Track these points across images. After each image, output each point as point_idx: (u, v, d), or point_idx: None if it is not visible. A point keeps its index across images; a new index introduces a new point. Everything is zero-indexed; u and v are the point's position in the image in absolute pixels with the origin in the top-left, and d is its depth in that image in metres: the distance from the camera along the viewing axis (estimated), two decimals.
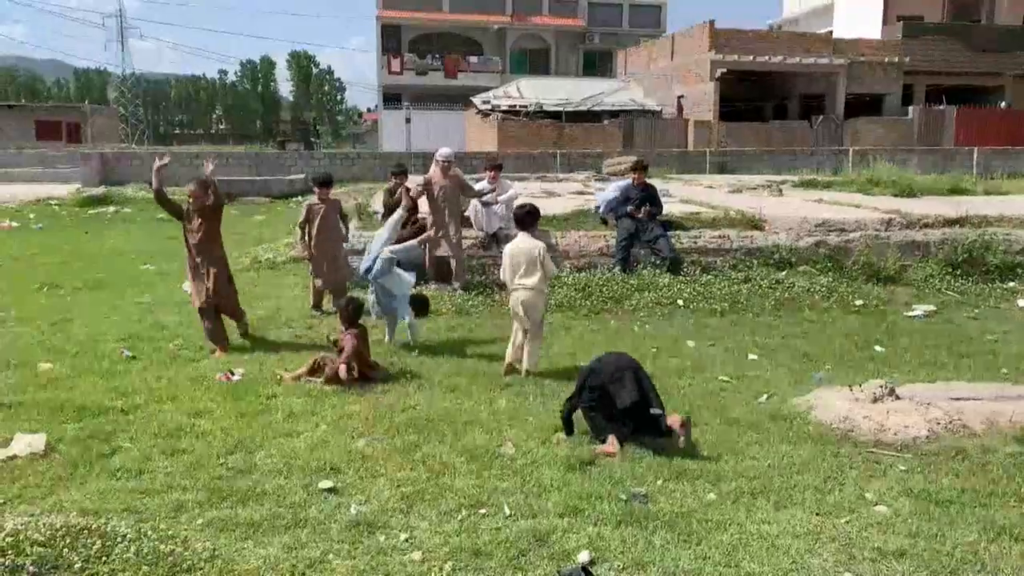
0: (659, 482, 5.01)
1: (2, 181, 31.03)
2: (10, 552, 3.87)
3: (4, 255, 14.17)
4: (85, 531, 4.08)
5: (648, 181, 12.03)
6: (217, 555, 4.04)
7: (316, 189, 9.65)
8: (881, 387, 6.26)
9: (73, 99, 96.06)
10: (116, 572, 3.83)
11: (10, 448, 5.35)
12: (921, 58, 38.28)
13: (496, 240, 11.16)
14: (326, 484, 4.89)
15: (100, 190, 24.01)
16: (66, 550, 3.93)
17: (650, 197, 11.52)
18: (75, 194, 23.86)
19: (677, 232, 11.61)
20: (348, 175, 27.77)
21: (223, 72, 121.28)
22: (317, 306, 9.75)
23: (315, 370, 7.08)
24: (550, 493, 4.82)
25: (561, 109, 38.87)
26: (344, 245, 9.90)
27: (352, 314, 7.33)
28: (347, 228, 10.01)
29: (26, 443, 5.39)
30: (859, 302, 10.24)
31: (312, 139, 58.84)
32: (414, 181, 11.08)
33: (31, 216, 20.58)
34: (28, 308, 9.90)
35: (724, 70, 36.02)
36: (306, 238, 9.59)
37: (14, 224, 18.80)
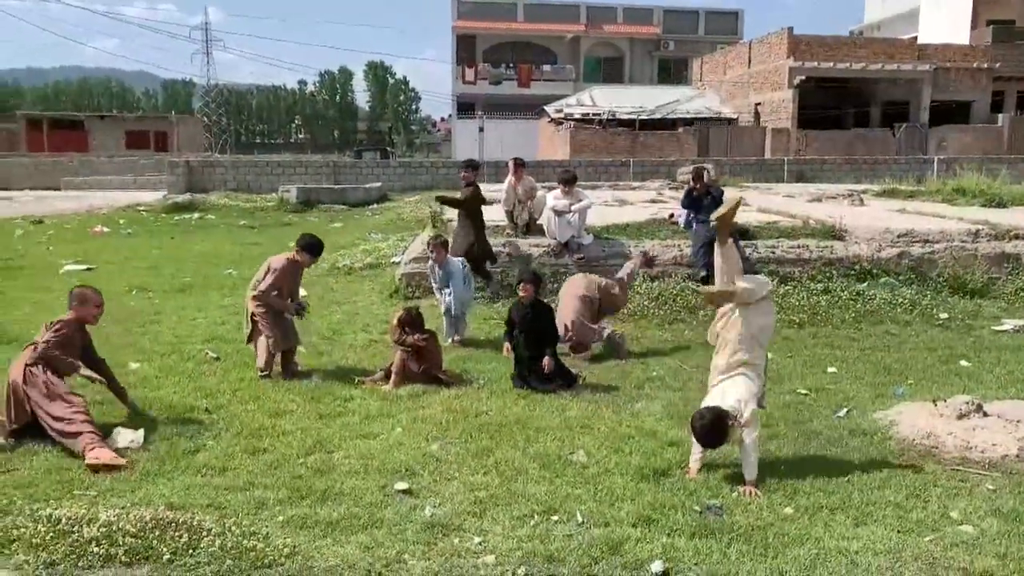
0: (734, 494, 4.94)
1: (95, 188, 32.53)
2: (104, 542, 4.06)
3: (98, 259, 14.82)
4: (173, 524, 4.25)
5: (716, 185, 11.90)
6: (297, 552, 4.15)
7: (304, 255, 7.62)
8: (967, 403, 6.05)
9: (160, 109, 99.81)
10: (202, 564, 3.97)
11: (113, 442, 5.61)
12: (1012, 64, 36.91)
13: (568, 249, 11.18)
14: (402, 486, 4.97)
15: (185, 197, 24.88)
16: (155, 542, 4.10)
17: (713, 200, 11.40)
18: (162, 201, 24.78)
19: (754, 242, 11.43)
20: (421, 184, 28.20)
21: (303, 83, 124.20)
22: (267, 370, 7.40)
23: (390, 375, 7.23)
24: (623, 502, 4.81)
25: (635, 117, 38.71)
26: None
27: (416, 319, 7.43)
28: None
29: (128, 439, 5.68)
30: (944, 315, 9.91)
31: (387, 148, 59.83)
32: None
33: (121, 222, 21.48)
34: (119, 310, 10.31)
35: (803, 77, 35.36)
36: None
37: (106, 230, 19.65)
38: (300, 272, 7.75)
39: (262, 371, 7.33)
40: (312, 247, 7.65)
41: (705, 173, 11.92)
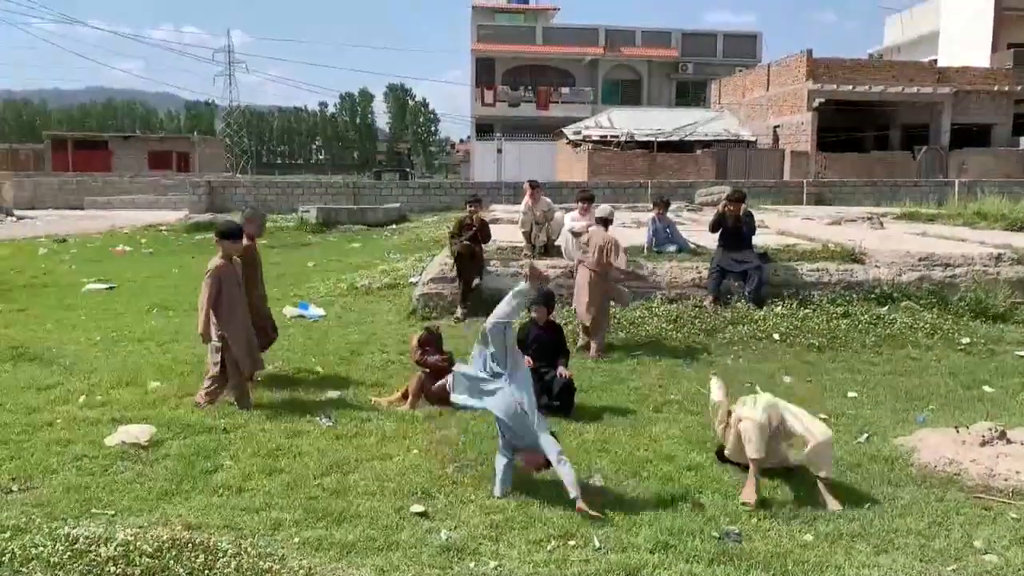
0: (753, 520, 4.89)
1: (118, 208, 32.91)
2: (121, 561, 4.06)
3: (120, 278, 14.97)
4: (190, 544, 4.25)
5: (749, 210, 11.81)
6: (312, 574, 4.13)
7: (225, 243, 7.12)
8: (990, 430, 5.97)
9: (183, 130, 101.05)
10: None
11: (115, 436, 5.89)
12: None
13: None
14: (418, 508, 4.96)
15: (206, 217, 25.11)
16: (172, 562, 4.09)
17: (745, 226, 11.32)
18: (183, 220, 25.02)
19: (774, 265, 11.36)
20: (440, 204, 28.36)
21: (323, 104, 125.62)
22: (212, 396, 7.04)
23: (407, 396, 7.23)
24: (640, 527, 4.76)
25: (653, 139, 38.74)
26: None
27: (437, 339, 7.48)
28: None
29: (135, 434, 6.01)
30: (965, 340, 9.80)
31: (407, 169, 60.26)
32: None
33: (143, 241, 21.70)
34: (140, 329, 10.41)
35: (822, 100, 35.29)
36: (209, 316, 7.01)
37: (127, 249, 19.85)
38: (238, 269, 7.18)
39: (204, 399, 6.98)
40: (222, 231, 7.25)
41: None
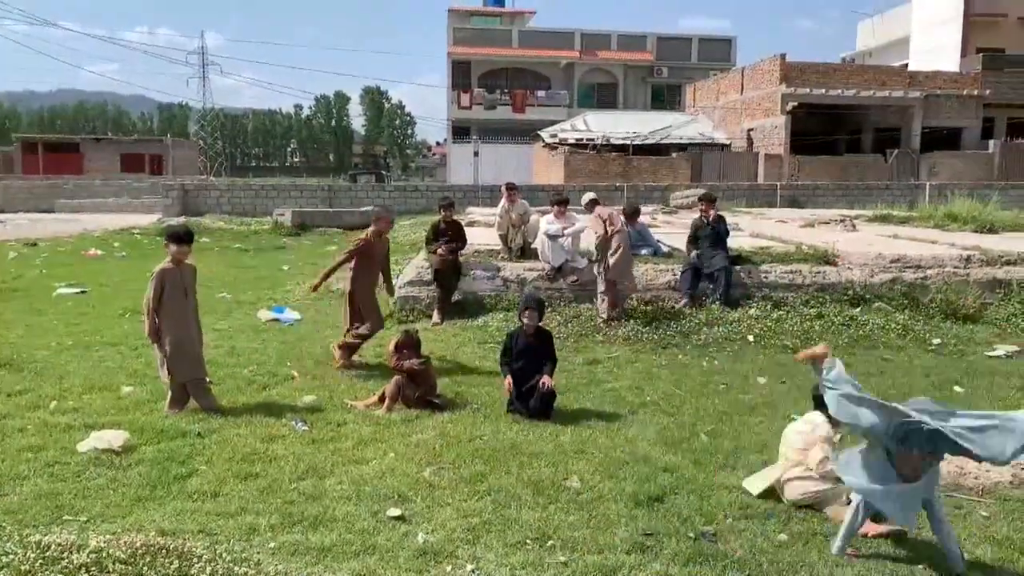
0: (728, 520, 4.93)
1: (90, 211, 32.54)
2: (94, 568, 4.00)
3: (91, 282, 14.79)
4: (164, 550, 4.20)
5: (719, 214, 11.92)
6: None
7: (172, 247, 7.10)
8: None
9: (156, 133, 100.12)
10: None
11: (88, 442, 5.84)
12: (1003, 91, 37.29)
13: (561, 273, 11.20)
14: (394, 512, 4.94)
15: (180, 220, 24.90)
16: (145, 568, 4.04)
17: (716, 233, 11.40)
18: (156, 224, 24.79)
19: (748, 267, 11.46)
20: (416, 207, 28.30)
21: (299, 107, 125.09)
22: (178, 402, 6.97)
23: (384, 399, 7.21)
24: (617, 528, 4.79)
25: (628, 142, 38.91)
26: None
27: (415, 342, 7.46)
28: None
29: (107, 440, 5.90)
30: (936, 341, 9.94)
31: (383, 172, 60.06)
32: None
33: (115, 245, 21.46)
34: (112, 333, 10.29)
35: (795, 103, 35.66)
36: (154, 317, 6.92)
37: (99, 252, 19.62)
38: (184, 273, 7.12)
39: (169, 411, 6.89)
40: (173, 235, 7.19)
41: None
